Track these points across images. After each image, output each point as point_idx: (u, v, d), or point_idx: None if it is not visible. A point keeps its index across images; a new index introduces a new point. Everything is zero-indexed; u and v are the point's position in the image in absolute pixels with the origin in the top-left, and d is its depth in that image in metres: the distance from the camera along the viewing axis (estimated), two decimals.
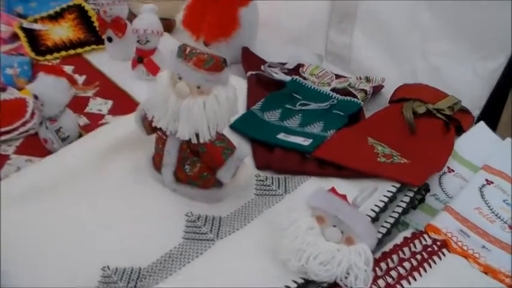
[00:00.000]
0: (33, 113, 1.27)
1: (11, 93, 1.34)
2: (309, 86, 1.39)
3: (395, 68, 1.73)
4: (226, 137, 1.01)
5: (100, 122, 1.27)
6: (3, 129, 1.22)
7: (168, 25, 1.60)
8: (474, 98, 1.59)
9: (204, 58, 0.94)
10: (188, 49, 0.97)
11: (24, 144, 1.21)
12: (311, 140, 1.19)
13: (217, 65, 0.94)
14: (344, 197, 0.96)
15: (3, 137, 1.21)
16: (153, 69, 1.42)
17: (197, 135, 0.97)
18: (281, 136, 1.21)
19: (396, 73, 1.70)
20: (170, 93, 0.97)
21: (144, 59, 1.41)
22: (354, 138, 1.22)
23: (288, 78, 1.42)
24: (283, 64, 1.52)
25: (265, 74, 1.44)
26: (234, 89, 0.98)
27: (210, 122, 0.96)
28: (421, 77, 1.65)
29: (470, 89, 1.58)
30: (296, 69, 1.50)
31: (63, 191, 1.04)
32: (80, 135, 1.20)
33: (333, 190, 0.97)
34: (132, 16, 1.52)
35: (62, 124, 1.15)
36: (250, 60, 1.50)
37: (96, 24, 1.61)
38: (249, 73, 1.42)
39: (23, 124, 1.25)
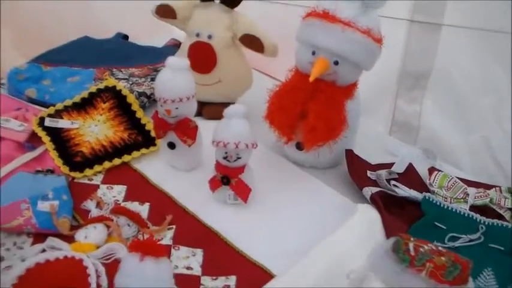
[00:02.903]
0: (99, 285, 0.82)
1: (54, 246, 0.88)
2: (447, 208, 1.03)
3: (466, 135, 1.49)
4: None
5: None
6: None
7: None
8: None
9: (444, 264, 0.56)
10: (413, 245, 0.57)
11: None
12: None
13: (464, 275, 0.56)
14: None
15: None
16: (244, 193, 1.01)
17: None
18: None
19: (467, 141, 1.48)
20: None
21: (231, 180, 0.98)
22: None
23: (414, 194, 1.06)
24: (389, 166, 1.13)
25: (384, 188, 1.05)
26: None
27: None
28: (494, 144, 1.44)
29: None
30: (408, 175, 1.14)
31: None
32: None
33: None
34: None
35: None
36: (356, 166, 1.12)
37: (140, 115, 1.16)
38: (369, 192, 1.03)
39: None
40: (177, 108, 1.01)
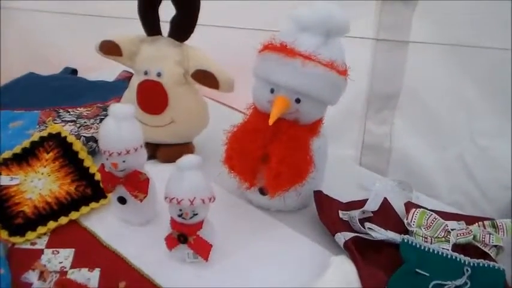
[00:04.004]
0: None
1: None
2: (428, 250, 0.92)
3: (439, 153, 1.46)
4: None
5: None
6: None
7: (184, 151, 0.99)
8: None
9: None
10: None
11: None
12: None
13: None
14: None
15: None
16: (204, 250, 0.89)
17: None
18: None
19: (441, 159, 1.45)
20: None
21: (189, 237, 0.87)
22: None
23: (392, 237, 0.95)
24: (362, 203, 1.03)
25: (358, 232, 0.95)
26: None
27: None
28: (468, 160, 1.42)
29: None
30: (383, 212, 1.04)
31: None
32: None
33: None
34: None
35: None
36: (326, 209, 1.01)
37: (88, 164, 1.05)
38: (342, 238, 0.93)
39: None
40: (124, 161, 0.89)
